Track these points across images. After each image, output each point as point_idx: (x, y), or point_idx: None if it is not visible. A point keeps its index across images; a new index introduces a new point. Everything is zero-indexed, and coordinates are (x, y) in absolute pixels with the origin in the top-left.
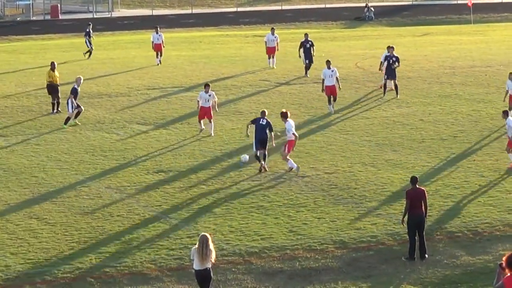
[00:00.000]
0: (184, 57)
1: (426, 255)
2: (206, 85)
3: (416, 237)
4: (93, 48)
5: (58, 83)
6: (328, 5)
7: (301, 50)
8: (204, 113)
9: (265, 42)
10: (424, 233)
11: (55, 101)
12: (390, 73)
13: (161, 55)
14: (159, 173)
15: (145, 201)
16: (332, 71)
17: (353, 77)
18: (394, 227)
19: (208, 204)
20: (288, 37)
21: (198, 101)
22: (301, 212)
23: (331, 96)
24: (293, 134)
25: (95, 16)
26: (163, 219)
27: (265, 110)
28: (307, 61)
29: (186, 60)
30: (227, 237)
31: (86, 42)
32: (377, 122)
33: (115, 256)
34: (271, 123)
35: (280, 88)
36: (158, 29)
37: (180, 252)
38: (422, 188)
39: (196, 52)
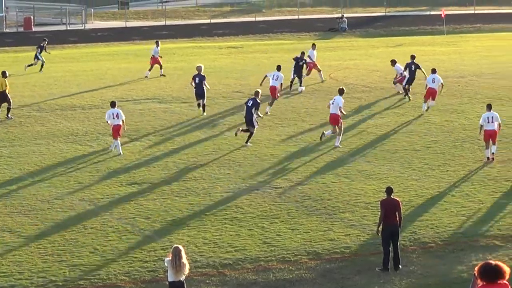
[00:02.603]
0: (158, 69)
1: (400, 266)
2: (113, 102)
3: (390, 248)
4: (44, 61)
5: (7, 91)
6: (301, 16)
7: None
8: (115, 131)
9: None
10: (398, 244)
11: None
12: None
13: (161, 68)
14: (133, 185)
15: (119, 213)
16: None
17: (327, 88)
18: (367, 238)
19: (181, 216)
20: (262, 48)
21: (107, 121)
22: (275, 223)
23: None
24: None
25: (68, 28)
26: (137, 231)
27: (259, 90)
28: (295, 75)
29: (159, 72)
30: (200, 249)
31: (36, 55)
32: (350, 133)
33: (88, 268)
34: (258, 103)
35: None
36: (159, 43)
37: (154, 264)
38: (397, 198)
39: (169, 64)
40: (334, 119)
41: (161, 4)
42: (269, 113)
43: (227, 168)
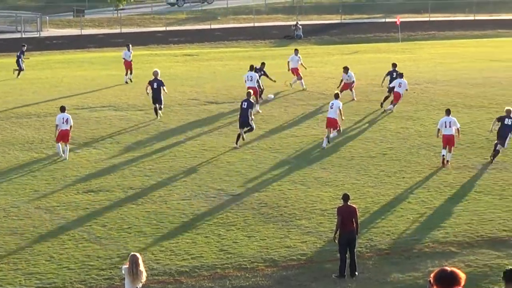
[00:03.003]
0: (114, 77)
1: (357, 273)
2: (62, 107)
3: (346, 255)
4: (24, 68)
5: None
6: (257, 24)
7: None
8: (62, 136)
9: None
10: (355, 251)
11: None
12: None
13: (131, 73)
14: (89, 193)
15: (75, 221)
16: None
17: (282, 96)
18: (324, 245)
19: (138, 224)
20: (217, 56)
21: (57, 125)
22: (231, 230)
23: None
24: None
25: (23, 36)
26: (93, 239)
27: (250, 91)
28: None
29: (115, 80)
30: (157, 257)
31: (18, 62)
32: (306, 140)
33: (45, 277)
34: (252, 103)
35: (209, 107)
36: (130, 46)
37: (110, 272)
38: (353, 205)
39: (125, 72)
40: (332, 123)
41: (116, 12)
42: (260, 111)
43: (183, 175)
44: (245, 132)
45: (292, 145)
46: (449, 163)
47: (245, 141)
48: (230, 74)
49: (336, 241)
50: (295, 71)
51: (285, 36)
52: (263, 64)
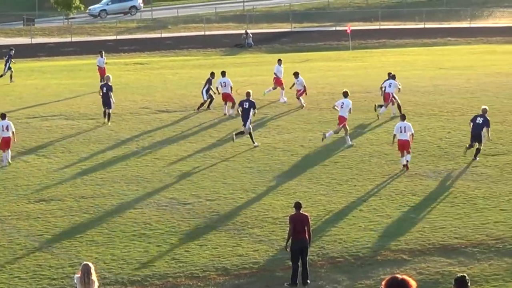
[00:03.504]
0: (65, 86)
1: (309, 281)
2: (3, 114)
3: (298, 263)
4: (5, 74)
5: None
6: (207, 33)
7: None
8: (4, 143)
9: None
10: (307, 259)
11: None
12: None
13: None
14: (41, 202)
15: (26, 231)
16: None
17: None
18: (276, 253)
19: (90, 233)
20: (168, 65)
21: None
22: (183, 239)
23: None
24: None
25: None
26: (45, 249)
27: (249, 91)
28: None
29: (66, 89)
30: (109, 266)
31: (8, 65)
32: (258, 149)
33: None
34: (254, 102)
35: (160, 116)
36: (103, 53)
37: (62, 282)
38: (306, 213)
39: (76, 80)
40: (341, 120)
41: (67, 20)
42: (233, 115)
43: (135, 184)
44: (238, 134)
45: (244, 154)
46: (408, 165)
47: (234, 141)
48: (181, 82)
49: (288, 250)
50: (278, 81)
51: (235, 44)
52: (212, 74)
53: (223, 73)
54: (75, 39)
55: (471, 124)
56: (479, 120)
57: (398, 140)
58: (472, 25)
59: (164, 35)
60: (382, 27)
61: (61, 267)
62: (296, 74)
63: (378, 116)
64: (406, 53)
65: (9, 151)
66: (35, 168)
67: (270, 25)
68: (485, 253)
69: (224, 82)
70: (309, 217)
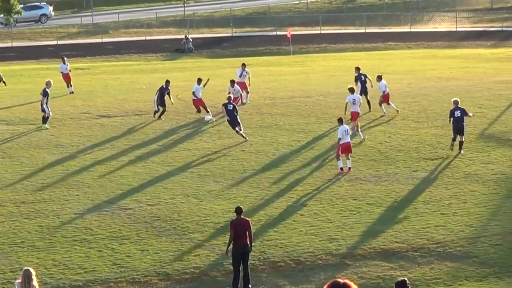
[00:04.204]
0: (4, 91)
1: (250, 285)
2: None
3: (240, 268)
4: None
5: None
6: (148, 37)
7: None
8: None
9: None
10: (248, 264)
11: None
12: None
13: (71, 85)
14: None
15: None
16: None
17: (174, 109)
18: (217, 258)
19: (30, 238)
20: (109, 70)
21: None
22: (125, 244)
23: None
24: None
25: None
26: None
27: (231, 95)
28: (159, 106)
29: (6, 94)
30: (50, 271)
31: None
32: (198, 153)
33: None
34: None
35: (101, 121)
36: (65, 59)
37: (4, 287)
38: (247, 218)
39: (16, 86)
40: (355, 116)
41: (6, 26)
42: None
43: (76, 189)
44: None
45: (184, 159)
46: (351, 169)
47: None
48: (122, 87)
49: (229, 254)
50: (243, 85)
51: (176, 49)
52: (167, 82)
53: (199, 81)
54: (16, 44)
55: (451, 119)
56: (457, 113)
57: (344, 143)
58: (412, 30)
59: (105, 40)
60: (323, 31)
61: (2, 272)
62: (232, 82)
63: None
64: (347, 57)
65: None
66: None
67: (211, 30)
68: (426, 257)
69: (197, 87)
70: (250, 222)
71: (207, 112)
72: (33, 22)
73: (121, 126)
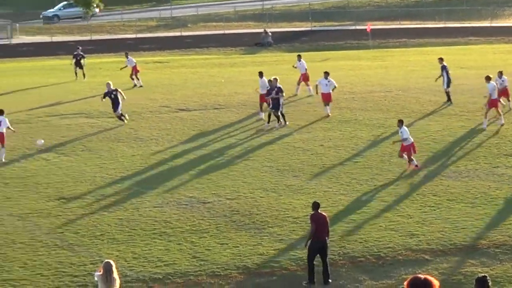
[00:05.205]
0: (84, 84)
1: (330, 280)
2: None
3: (315, 262)
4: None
5: None
6: (227, 31)
7: None
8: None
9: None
10: (327, 258)
11: None
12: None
13: (138, 78)
14: (61, 200)
15: (48, 228)
16: (329, 81)
17: (252, 103)
18: (296, 252)
19: (110, 231)
20: (188, 63)
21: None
22: (204, 238)
23: (328, 102)
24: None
25: None
26: (66, 246)
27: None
28: None
29: (86, 87)
30: (130, 264)
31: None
32: (277, 148)
33: (19, 283)
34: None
35: (180, 114)
36: (128, 53)
37: (84, 279)
38: (324, 213)
39: (95, 79)
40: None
41: (95, 19)
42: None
43: (155, 182)
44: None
45: (263, 153)
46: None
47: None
48: (201, 81)
49: (307, 248)
50: (304, 76)
51: (255, 43)
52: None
53: (261, 74)
54: (95, 37)
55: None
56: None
57: (409, 144)
58: (493, 24)
59: (184, 33)
60: (402, 26)
61: (83, 264)
62: (260, 74)
63: None
64: (426, 52)
65: (4, 148)
66: (55, 166)
67: (290, 24)
68: (507, 254)
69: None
70: (327, 217)
71: (261, 110)
72: (78, 19)
73: (199, 120)
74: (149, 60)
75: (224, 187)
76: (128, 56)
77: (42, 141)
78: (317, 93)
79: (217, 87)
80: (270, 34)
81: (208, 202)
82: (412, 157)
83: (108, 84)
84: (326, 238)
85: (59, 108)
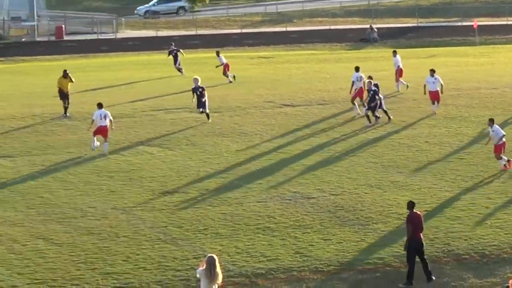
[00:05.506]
0: (189, 79)
1: (433, 277)
2: (100, 104)
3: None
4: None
5: (67, 90)
6: (333, 27)
7: None
8: (100, 131)
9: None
10: (424, 256)
11: (65, 106)
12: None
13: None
14: (165, 194)
15: (151, 222)
16: (435, 78)
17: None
18: (400, 249)
19: (214, 225)
20: (293, 59)
21: (94, 120)
22: (308, 233)
23: (435, 100)
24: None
25: (99, 37)
26: (169, 240)
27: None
28: None
29: (191, 81)
30: (233, 258)
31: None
32: (382, 144)
33: (122, 277)
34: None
35: (285, 110)
36: (219, 52)
37: (187, 273)
38: (419, 212)
39: (201, 74)
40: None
41: (191, 14)
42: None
43: (259, 177)
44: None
45: (368, 149)
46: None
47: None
48: (305, 76)
49: (405, 249)
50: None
51: (361, 39)
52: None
53: (357, 69)
54: (200, 32)
55: None
56: None
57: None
58: None
59: (289, 29)
60: (509, 22)
61: (186, 258)
62: (356, 69)
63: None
64: None
65: (107, 142)
66: (159, 160)
67: (396, 20)
68: None
69: (360, 77)
70: (421, 215)
71: (354, 105)
72: (174, 14)
73: (304, 115)
74: (254, 56)
75: (329, 182)
76: (219, 55)
77: (98, 143)
78: (425, 93)
79: (322, 83)
80: (375, 30)
81: (312, 198)
82: (501, 156)
83: (195, 79)
84: (421, 238)
85: (163, 102)
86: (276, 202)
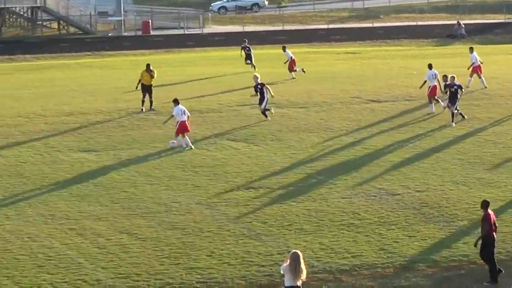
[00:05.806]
0: (275, 74)
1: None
2: (176, 100)
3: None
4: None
5: (150, 83)
6: (419, 23)
7: None
8: (182, 128)
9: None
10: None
11: (143, 99)
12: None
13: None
14: (249, 190)
15: (235, 217)
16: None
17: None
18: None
19: (298, 221)
20: (379, 54)
21: (174, 116)
22: (392, 230)
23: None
24: None
25: (186, 32)
26: (254, 236)
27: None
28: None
29: (278, 77)
30: (317, 254)
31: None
32: (468, 141)
33: (205, 272)
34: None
35: (371, 105)
36: (286, 47)
37: (271, 269)
38: (491, 211)
39: (287, 70)
40: None
41: (278, 9)
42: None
43: (344, 173)
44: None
45: (454, 145)
46: None
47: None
48: (391, 72)
49: (478, 247)
50: (478, 69)
51: (448, 35)
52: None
53: (430, 66)
54: (287, 27)
55: None
56: None
57: None
58: None
59: (376, 24)
60: None
61: (270, 254)
62: (429, 66)
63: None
64: None
65: (186, 137)
66: (244, 156)
67: (483, 15)
68: None
69: (434, 74)
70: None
71: (431, 103)
72: (246, 11)
73: (390, 111)
74: (340, 51)
75: (414, 179)
76: (286, 50)
77: (175, 142)
78: None
79: (409, 79)
80: (463, 26)
81: (397, 194)
82: None
83: (255, 77)
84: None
85: (249, 98)
86: (361, 199)
